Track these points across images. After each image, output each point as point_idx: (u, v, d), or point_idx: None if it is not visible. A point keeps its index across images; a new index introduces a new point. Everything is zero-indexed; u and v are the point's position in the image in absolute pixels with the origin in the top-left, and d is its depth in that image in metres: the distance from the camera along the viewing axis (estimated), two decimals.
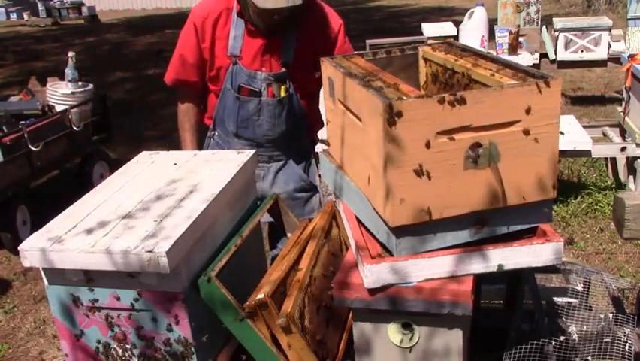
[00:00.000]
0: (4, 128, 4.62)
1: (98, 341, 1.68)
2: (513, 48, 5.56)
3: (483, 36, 5.30)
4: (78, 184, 5.34)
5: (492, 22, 5.62)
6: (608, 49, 5.87)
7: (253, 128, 2.46)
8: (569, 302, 2.04)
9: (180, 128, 2.61)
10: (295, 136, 2.56)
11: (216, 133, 2.56)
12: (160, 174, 1.95)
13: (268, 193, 2.25)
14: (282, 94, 2.43)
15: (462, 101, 1.41)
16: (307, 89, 2.51)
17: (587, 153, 4.41)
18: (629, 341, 1.82)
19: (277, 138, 2.50)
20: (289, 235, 2.09)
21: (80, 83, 5.20)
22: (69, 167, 5.49)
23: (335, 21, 2.50)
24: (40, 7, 15.48)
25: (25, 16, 15.58)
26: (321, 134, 2.46)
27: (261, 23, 2.34)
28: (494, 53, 5.27)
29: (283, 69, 2.41)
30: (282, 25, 2.34)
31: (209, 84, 2.51)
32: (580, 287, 2.17)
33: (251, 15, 2.32)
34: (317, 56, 2.41)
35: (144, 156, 2.12)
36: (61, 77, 5.30)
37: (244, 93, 2.41)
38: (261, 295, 1.57)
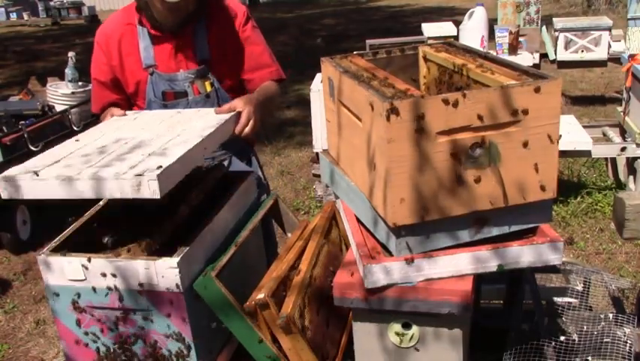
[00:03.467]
0: (4, 128, 4.63)
1: (98, 342, 1.68)
2: (513, 48, 5.55)
3: (483, 36, 5.29)
4: None
5: (492, 22, 5.61)
6: (608, 49, 5.86)
7: None
8: (569, 302, 2.05)
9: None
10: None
11: None
12: (145, 124, 1.95)
13: None
14: (208, 89, 2.37)
15: (462, 101, 1.41)
16: (231, 83, 2.44)
17: (587, 153, 4.41)
18: (629, 341, 1.82)
19: None
20: (289, 234, 2.09)
21: (80, 83, 5.21)
22: None
23: (239, 7, 2.45)
24: (40, 7, 15.50)
25: (25, 16, 15.59)
26: (322, 142, 2.39)
27: (170, 21, 2.29)
28: (494, 53, 5.26)
29: (202, 65, 2.36)
30: (191, 18, 2.31)
31: (134, 103, 2.46)
32: (580, 287, 2.18)
33: (156, 17, 2.28)
34: (231, 48, 2.37)
35: (127, 113, 2.17)
36: (62, 77, 5.31)
37: (169, 98, 2.36)
38: (261, 296, 1.57)
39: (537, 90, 1.44)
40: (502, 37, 5.54)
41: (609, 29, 5.83)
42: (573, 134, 4.37)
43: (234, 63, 2.41)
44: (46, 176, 1.54)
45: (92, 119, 5.32)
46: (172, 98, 2.36)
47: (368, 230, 1.67)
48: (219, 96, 2.39)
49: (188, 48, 2.35)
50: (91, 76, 2.45)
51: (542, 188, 1.53)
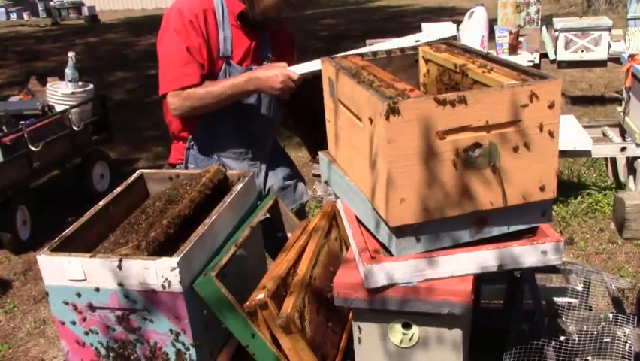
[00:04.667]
0: (4, 128, 4.63)
1: (98, 342, 1.68)
2: (513, 48, 5.55)
3: (483, 36, 5.28)
4: (78, 184, 5.35)
5: (492, 22, 5.61)
6: (608, 49, 5.86)
7: (254, 120, 2.49)
8: (569, 302, 2.04)
9: (211, 91, 2.32)
10: (277, 128, 2.69)
11: (195, 143, 2.49)
12: None
13: (262, 186, 2.52)
14: None
15: (462, 101, 1.41)
16: None
17: (587, 153, 4.41)
18: (629, 341, 1.82)
19: (272, 128, 2.60)
20: (289, 234, 2.09)
21: (80, 83, 5.20)
22: (69, 167, 5.50)
23: (289, 28, 2.68)
24: (40, 7, 15.49)
25: (25, 16, 15.59)
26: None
27: (273, 16, 2.39)
28: (494, 53, 5.26)
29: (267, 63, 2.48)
30: (276, 20, 2.45)
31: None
32: (580, 287, 2.17)
33: (256, 10, 2.35)
34: (281, 57, 2.49)
35: None
36: (62, 77, 5.30)
37: None
38: (261, 296, 1.57)
39: (537, 90, 1.44)
40: (502, 37, 5.54)
41: (609, 29, 5.83)
42: (573, 134, 4.37)
43: None
44: None
45: (93, 119, 5.34)
46: None
47: (368, 230, 1.67)
48: None
49: (257, 48, 2.46)
50: (173, 52, 2.30)
51: (542, 188, 1.53)
